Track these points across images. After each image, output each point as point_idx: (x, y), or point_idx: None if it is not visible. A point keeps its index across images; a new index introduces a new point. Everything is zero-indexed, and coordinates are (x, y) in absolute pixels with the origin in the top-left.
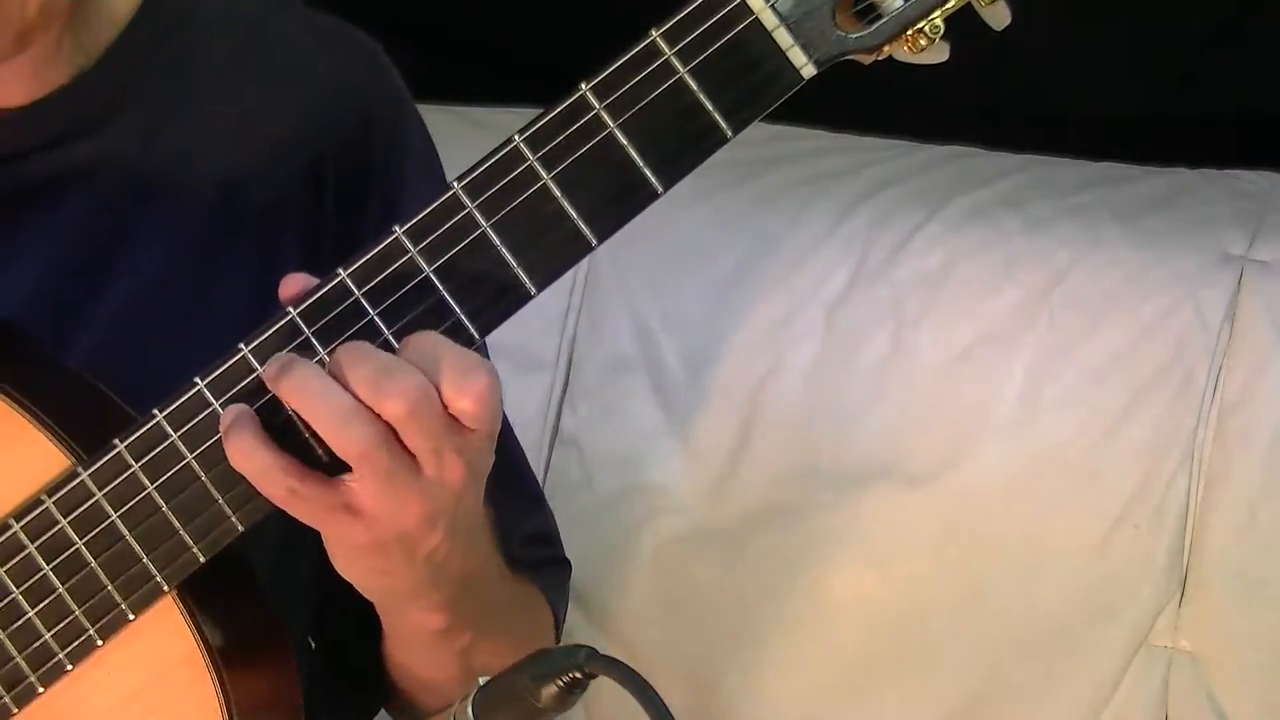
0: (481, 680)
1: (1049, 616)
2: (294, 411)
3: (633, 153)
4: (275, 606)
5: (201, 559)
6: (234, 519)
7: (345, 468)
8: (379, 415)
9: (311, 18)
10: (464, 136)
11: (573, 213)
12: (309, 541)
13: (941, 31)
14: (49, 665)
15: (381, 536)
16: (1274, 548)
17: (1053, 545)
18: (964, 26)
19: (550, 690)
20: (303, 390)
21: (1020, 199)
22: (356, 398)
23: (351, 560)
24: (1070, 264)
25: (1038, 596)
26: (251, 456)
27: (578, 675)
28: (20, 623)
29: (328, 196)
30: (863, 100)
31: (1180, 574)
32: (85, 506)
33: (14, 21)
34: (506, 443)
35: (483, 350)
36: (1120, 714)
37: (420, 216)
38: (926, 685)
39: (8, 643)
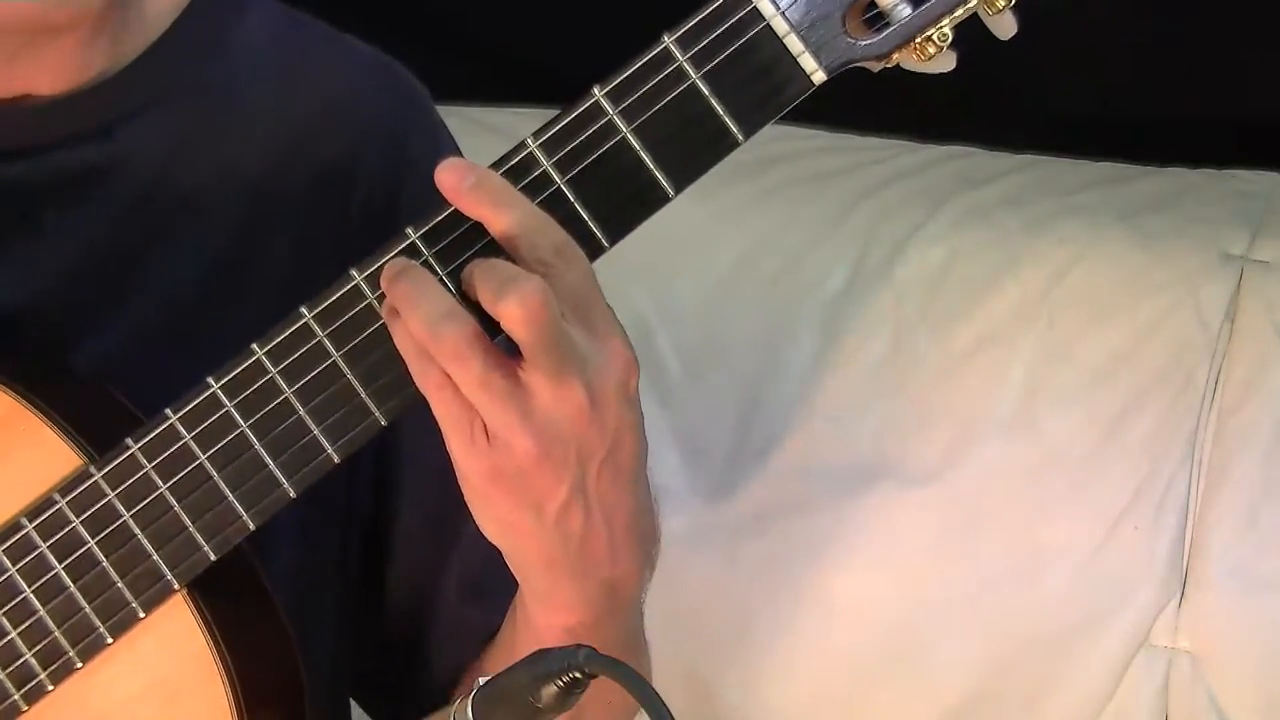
0: (481, 680)
1: (1049, 616)
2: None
3: (645, 156)
4: (299, 600)
5: (212, 557)
6: (245, 518)
7: None
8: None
9: (352, 49)
10: (465, 136)
11: (585, 215)
12: (332, 544)
13: (949, 40)
14: (59, 663)
15: (499, 466)
16: (1274, 548)
17: (1053, 545)
18: (965, 27)
19: (550, 690)
20: (410, 291)
21: (1020, 199)
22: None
23: (477, 503)
24: (1070, 264)
25: (1038, 596)
26: (421, 310)
27: (578, 675)
28: (31, 621)
29: (354, 223)
30: (863, 100)
31: (1180, 574)
32: (97, 506)
33: None
34: None
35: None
36: (1120, 714)
37: (435, 221)
38: (926, 685)
39: (18, 640)
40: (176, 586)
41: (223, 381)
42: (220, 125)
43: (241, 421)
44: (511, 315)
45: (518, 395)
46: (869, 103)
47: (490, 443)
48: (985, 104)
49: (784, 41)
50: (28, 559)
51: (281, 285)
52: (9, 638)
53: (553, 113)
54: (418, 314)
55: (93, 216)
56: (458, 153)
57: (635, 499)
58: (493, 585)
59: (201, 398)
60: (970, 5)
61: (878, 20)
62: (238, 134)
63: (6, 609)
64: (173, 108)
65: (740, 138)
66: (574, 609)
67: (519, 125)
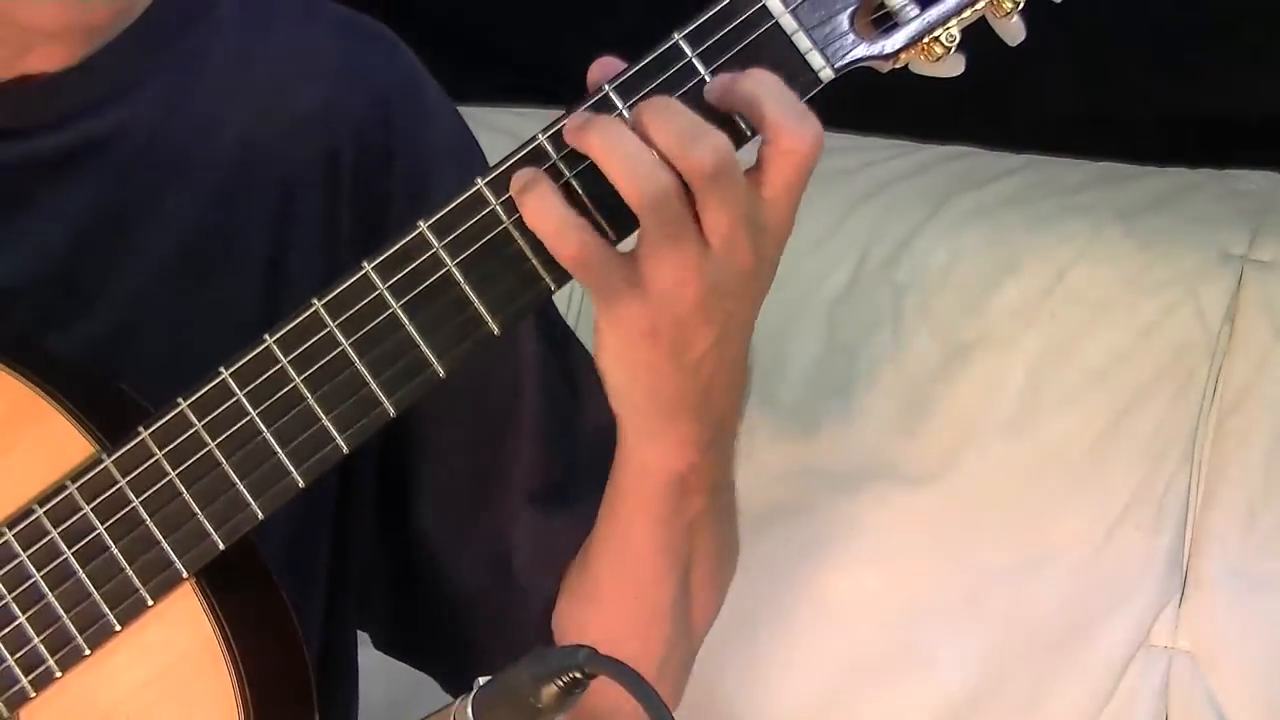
0: (481, 680)
1: (1049, 616)
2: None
3: None
4: (288, 594)
5: (221, 546)
6: (254, 506)
7: None
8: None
9: (325, 8)
10: None
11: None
12: (323, 532)
13: (957, 42)
14: (67, 649)
15: (656, 318)
16: (1274, 548)
17: (1053, 545)
18: (970, 29)
19: (550, 690)
20: (604, 136)
21: (1021, 198)
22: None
23: (621, 350)
24: (1070, 263)
25: (1038, 596)
26: (550, 211)
27: (578, 675)
28: (40, 606)
29: (344, 183)
30: (863, 100)
31: (1180, 574)
32: (108, 493)
33: None
34: None
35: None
36: (1120, 714)
37: (444, 212)
38: (926, 685)
39: (27, 626)
40: (185, 574)
41: (233, 369)
42: (201, 92)
43: (251, 409)
44: (701, 163)
45: (700, 244)
46: (870, 103)
47: (650, 296)
48: (985, 104)
49: (792, 39)
50: (38, 545)
51: (265, 253)
52: (18, 623)
53: (555, 113)
54: (622, 163)
55: (84, 192)
56: (440, 98)
57: (750, 337)
58: (571, 485)
59: (212, 385)
60: (978, 8)
61: (886, 21)
62: (216, 99)
63: (16, 594)
64: (157, 79)
65: (749, 134)
66: (686, 445)
67: (519, 125)
